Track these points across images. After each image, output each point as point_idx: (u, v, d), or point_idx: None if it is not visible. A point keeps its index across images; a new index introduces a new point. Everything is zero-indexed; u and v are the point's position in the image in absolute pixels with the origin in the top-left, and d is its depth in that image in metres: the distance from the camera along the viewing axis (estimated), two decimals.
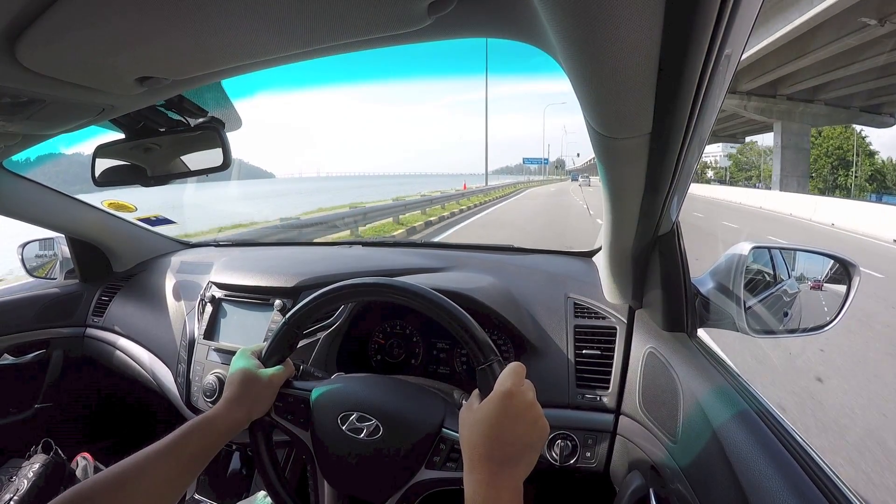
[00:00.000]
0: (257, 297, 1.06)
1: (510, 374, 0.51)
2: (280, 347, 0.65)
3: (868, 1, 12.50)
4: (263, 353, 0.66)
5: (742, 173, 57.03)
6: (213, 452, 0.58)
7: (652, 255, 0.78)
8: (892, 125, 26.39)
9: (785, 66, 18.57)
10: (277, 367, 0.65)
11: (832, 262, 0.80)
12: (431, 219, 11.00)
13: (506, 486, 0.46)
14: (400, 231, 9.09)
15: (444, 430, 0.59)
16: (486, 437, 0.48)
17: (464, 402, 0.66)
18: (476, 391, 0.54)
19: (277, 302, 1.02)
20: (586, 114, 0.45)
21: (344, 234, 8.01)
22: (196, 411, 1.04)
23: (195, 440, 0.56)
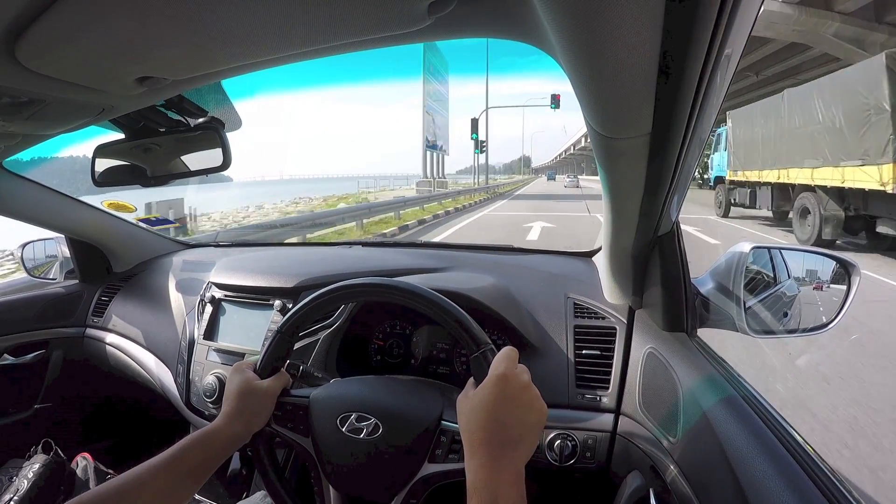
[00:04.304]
0: (257, 298, 1.06)
1: (503, 359, 0.51)
2: (274, 358, 0.65)
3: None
4: (258, 364, 0.66)
5: None
6: (214, 467, 0.58)
7: (652, 255, 0.78)
8: None
9: None
10: (273, 377, 0.65)
11: (832, 262, 0.80)
12: None
13: (506, 469, 0.46)
14: None
15: (443, 422, 0.59)
16: (484, 422, 0.48)
17: None
18: (471, 379, 0.54)
19: (277, 302, 1.02)
20: (586, 114, 0.45)
21: None
22: (196, 411, 1.04)
23: (195, 454, 0.56)
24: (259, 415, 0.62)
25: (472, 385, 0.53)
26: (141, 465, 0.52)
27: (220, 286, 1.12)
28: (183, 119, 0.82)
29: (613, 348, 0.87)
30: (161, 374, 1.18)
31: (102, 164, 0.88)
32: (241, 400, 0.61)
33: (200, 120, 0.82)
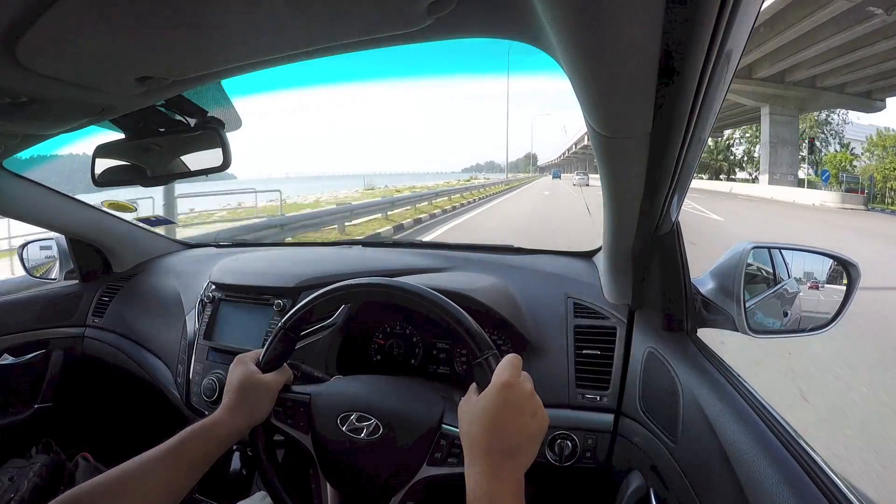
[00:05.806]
0: (257, 298, 1.06)
1: (507, 366, 0.51)
2: (277, 353, 0.65)
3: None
4: (260, 358, 0.66)
5: None
6: (213, 459, 0.58)
7: (652, 255, 0.78)
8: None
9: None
10: (275, 371, 0.65)
11: (832, 261, 0.80)
12: None
13: (507, 477, 0.46)
14: None
15: (443, 425, 0.59)
16: (486, 430, 0.47)
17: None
18: (473, 385, 0.54)
19: (277, 302, 1.02)
20: (586, 114, 0.45)
21: None
22: (196, 411, 1.04)
23: (195, 446, 0.56)
24: (260, 408, 0.62)
25: (475, 391, 0.53)
26: (141, 456, 0.52)
27: (220, 286, 1.12)
28: (183, 119, 0.82)
29: (613, 348, 0.86)
30: (161, 373, 1.18)
31: (102, 164, 0.88)
32: (242, 392, 0.61)
33: (200, 120, 0.82)
